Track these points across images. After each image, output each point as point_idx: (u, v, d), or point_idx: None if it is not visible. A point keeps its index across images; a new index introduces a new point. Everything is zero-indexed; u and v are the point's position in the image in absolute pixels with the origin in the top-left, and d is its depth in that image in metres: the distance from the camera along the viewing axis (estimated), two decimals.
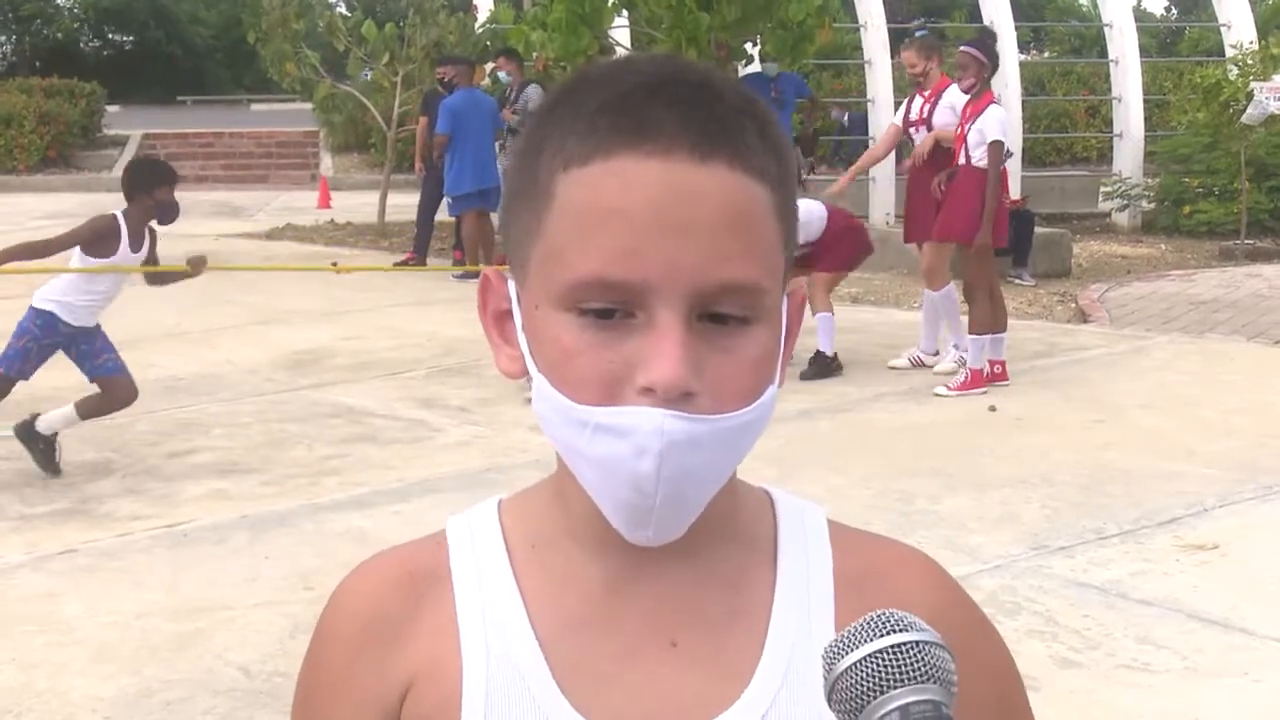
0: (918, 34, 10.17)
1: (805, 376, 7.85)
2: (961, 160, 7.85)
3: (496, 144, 12.27)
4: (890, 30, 15.10)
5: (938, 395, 7.66)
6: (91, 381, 6.27)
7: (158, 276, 6.43)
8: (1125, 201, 15.07)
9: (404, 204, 14.86)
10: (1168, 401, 7.53)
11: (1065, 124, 20.36)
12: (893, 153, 14.01)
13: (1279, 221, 14.25)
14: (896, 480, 6.05)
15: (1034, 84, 19.90)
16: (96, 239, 6.08)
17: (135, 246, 6.15)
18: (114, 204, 6.32)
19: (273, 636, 4.42)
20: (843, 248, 8.00)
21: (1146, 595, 4.75)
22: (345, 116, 21.37)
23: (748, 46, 11.75)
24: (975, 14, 15.98)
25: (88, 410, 6.19)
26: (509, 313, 0.97)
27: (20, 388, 6.28)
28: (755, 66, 12.21)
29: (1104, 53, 16.69)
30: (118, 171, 17.20)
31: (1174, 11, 48.83)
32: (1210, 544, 5.23)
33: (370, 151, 22.18)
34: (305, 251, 14.50)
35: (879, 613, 0.81)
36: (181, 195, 6.59)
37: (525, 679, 0.96)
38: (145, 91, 38.27)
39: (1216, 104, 13.66)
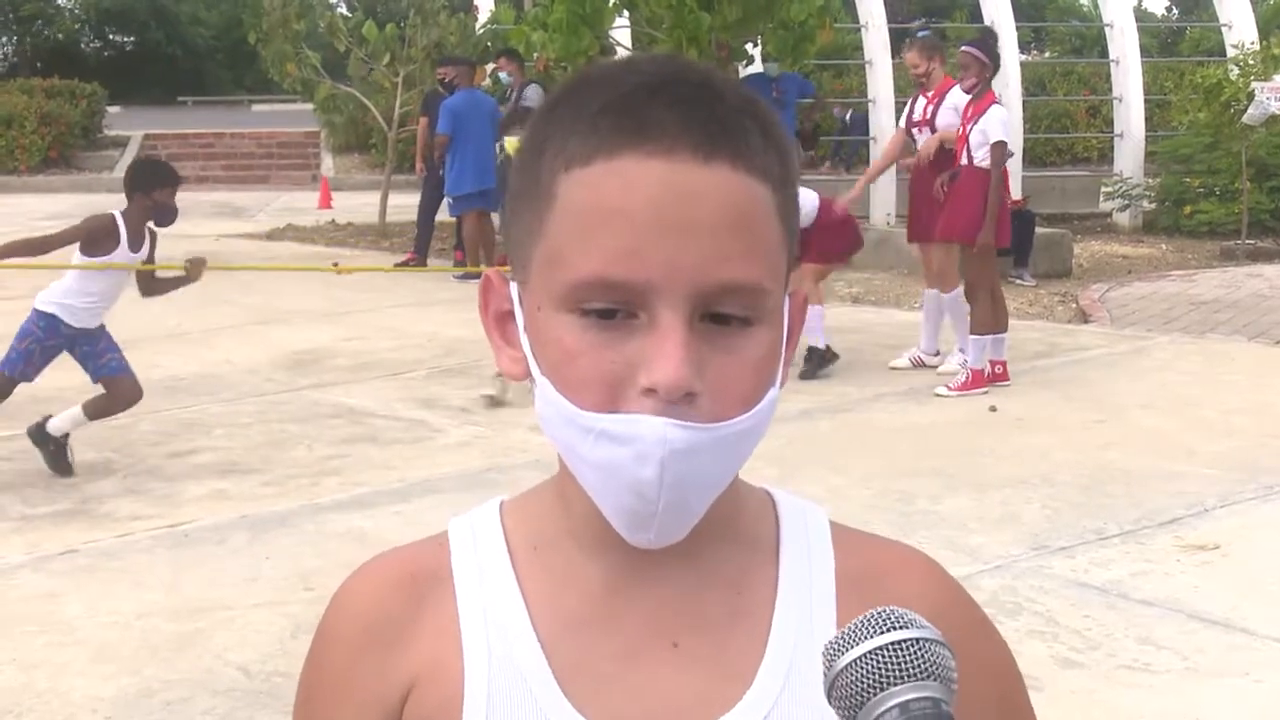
0: (920, 34, 10.16)
1: (805, 375, 7.85)
2: (963, 161, 7.85)
3: (497, 145, 12.27)
4: (891, 30, 15.10)
5: (938, 395, 7.66)
6: (96, 382, 6.27)
7: (150, 287, 6.40)
8: (1126, 202, 15.06)
9: (405, 204, 14.86)
10: (1169, 402, 7.53)
11: (1066, 124, 20.36)
12: None
13: (1279, 222, 14.24)
14: (897, 480, 6.04)
15: (1035, 84, 19.90)
16: (93, 238, 6.08)
17: (135, 247, 6.15)
18: (115, 205, 6.32)
19: (273, 637, 4.42)
20: (833, 239, 7.93)
21: (1147, 595, 4.74)
22: (346, 117, 21.37)
23: (749, 47, 11.75)
24: (976, 14, 15.98)
25: (94, 411, 6.22)
26: (511, 314, 0.97)
27: (22, 388, 6.28)
28: (756, 67, 12.21)
29: (1105, 53, 16.69)
30: (119, 172, 17.24)
31: (1175, 11, 48.82)
32: (1211, 544, 5.23)
33: (371, 152, 22.19)
34: (306, 252, 14.50)
35: (879, 609, 0.81)
36: (182, 196, 6.59)
37: (527, 680, 0.96)
38: (146, 92, 38.28)
39: (1217, 104, 13.65)
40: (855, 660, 0.79)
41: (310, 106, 19.94)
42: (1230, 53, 14.93)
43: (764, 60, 11.89)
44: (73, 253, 6.21)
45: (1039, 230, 12.13)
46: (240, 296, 11.04)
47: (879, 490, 5.92)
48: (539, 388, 0.93)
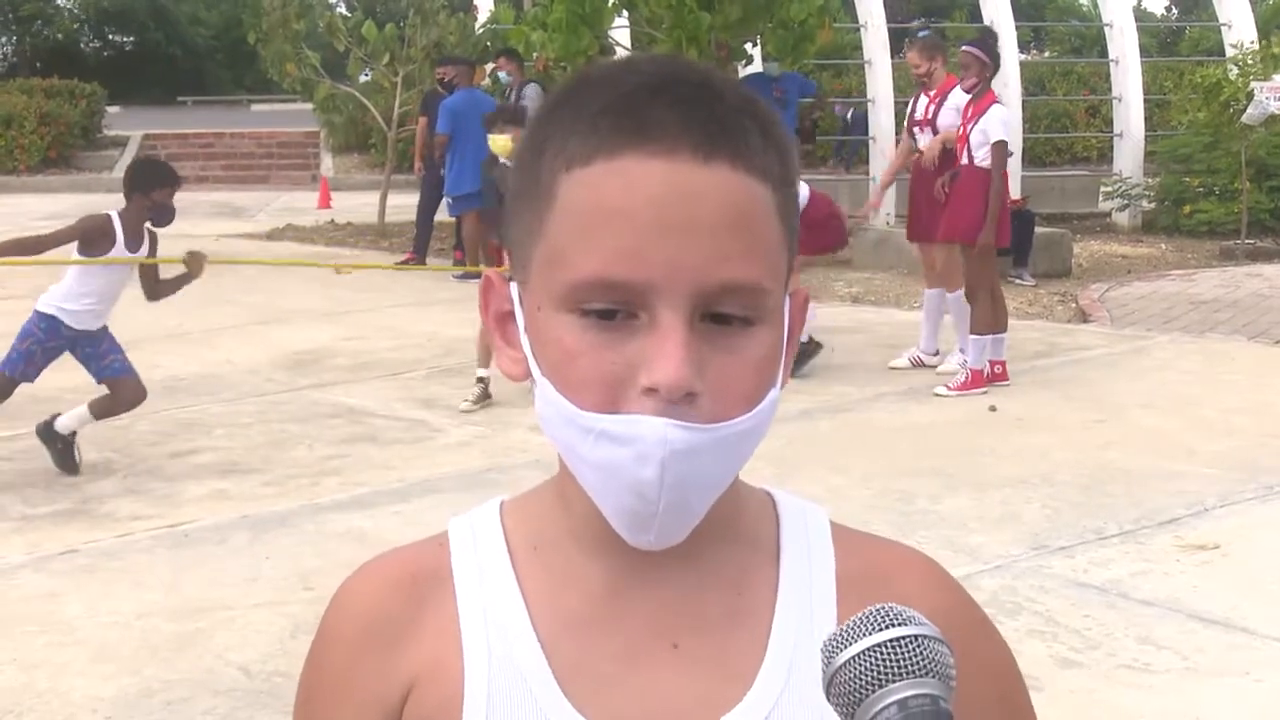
0: (920, 34, 10.15)
1: (794, 374, 7.84)
2: (964, 160, 7.85)
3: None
4: (890, 30, 15.09)
5: (938, 395, 7.66)
6: (99, 383, 6.28)
7: (155, 290, 6.40)
8: (1126, 201, 15.06)
9: (404, 204, 14.87)
10: (1168, 401, 7.53)
11: (1065, 124, 20.36)
12: (893, 151, 14.08)
13: (1279, 221, 14.24)
14: (897, 480, 6.04)
15: (1034, 84, 19.90)
16: (88, 238, 6.08)
17: (132, 247, 6.15)
18: (114, 205, 6.31)
19: (273, 636, 4.42)
20: (818, 234, 7.91)
21: (1147, 595, 4.74)
22: (346, 117, 21.37)
23: (748, 46, 11.75)
24: (976, 14, 15.98)
25: (99, 411, 6.24)
26: (511, 314, 0.97)
27: (22, 388, 6.28)
28: (756, 66, 12.20)
29: (1104, 52, 16.69)
30: (118, 172, 17.23)
31: (1174, 11, 48.82)
32: (1211, 544, 5.23)
33: (371, 152, 22.18)
34: (306, 252, 14.49)
35: (878, 607, 0.81)
36: (182, 196, 6.59)
37: (527, 680, 0.96)
38: (146, 92, 38.27)
39: (1217, 104, 13.65)
40: (854, 657, 0.79)
41: (310, 106, 19.95)
42: (1229, 52, 14.93)
43: (764, 60, 11.89)
44: (70, 252, 6.21)
45: (1038, 230, 12.13)
46: (241, 296, 11.04)
47: (879, 490, 5.92)
48: (539, 388, 0.93)
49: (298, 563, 5.10)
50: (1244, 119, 13.13)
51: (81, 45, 46.76)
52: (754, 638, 0.97)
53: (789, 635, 0.97)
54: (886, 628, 0.80)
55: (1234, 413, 7.21)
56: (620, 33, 11.96)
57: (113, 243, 6.09)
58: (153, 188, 6.14)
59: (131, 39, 47.44)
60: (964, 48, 8.07)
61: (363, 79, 17.13)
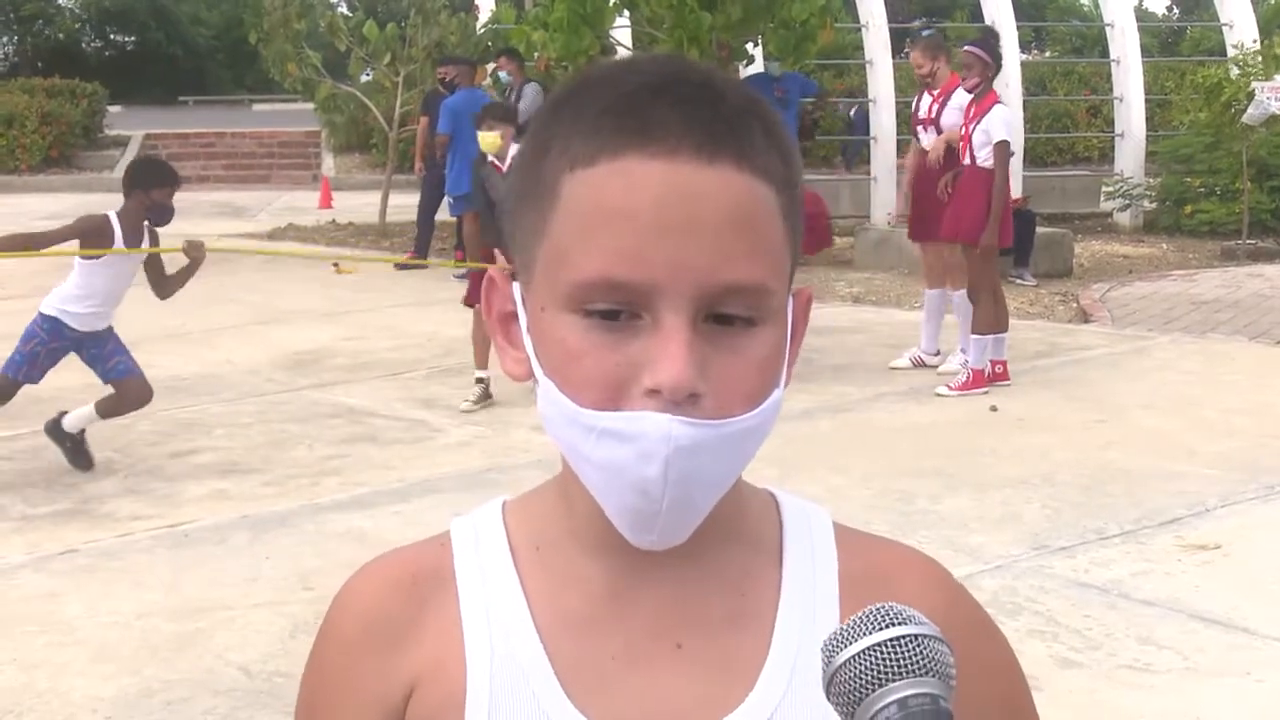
0: (923, 34, 10.14)
1: None
2: (966, 160, 7.85)
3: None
4: (891, 30, 15.09)
5: (939, 395, 7.66)
6: (106, 384, 6.29)
7: (164, 287, 6.40)
8: (1127, 201, 15.06)
9: (405, 204, 14.87)
10: (1169, 401, 7.53)
11: (1067, 124, 20.37)
12: (894, 151, 14.10)
13: None
14: (897, 480, 6.04)
15: (1035, 84, 19.90)
16: (86, 238, 6.08)
17: (132, 246, 6.15)
18: (115, 204, 6.31)
19: (273, 636, 4.42)
20: (805, 234, 7.94)
21: (1148, 595, 4.74)
22: (347, 117, 21.37)
23: (749, 46, 11.74)
24: (977, 14, 15.98)
25: (105, 410, 6.26)
26: (514, 314, 0.97)
27: (24, 389, 6.28)
28: (757, 66, 12.20)
29: (1105, 52, 16.68)
30: (119, 172, 17.23)
31: (1175, 11, 48.81)
32: (1212, 544, 5.22)
33: (372, 152, 22.19)
34: (307, 252, 14.49)
35: (878, 606, 0.81)
36: (183, 195, 6.60)
37: (529, 680, 0.96)
38: (147, 92, 38.28)
39: (1218, 104, 13.65)
40: (854, 656, 0.79)
41: (311, 106, 19.93)
42: (1231, 53, 14.92)
43: (765, 60, 11.88)
44: (74, 256, 6.21)
45: (1040, 230, 12.13)
46: (241, 296, 11.05)
47: (879, 490, 5.92)
48: (542, 388, 0.92)
49: (298, 563, 5.10)
50: (1244, 119, 13.13)
51: (83, 45, 46.78)
52: (756, 639, 0.97)
53: (792, 636, 0.97)
54: (886, 627, 0.80)
55: (1235, 413, 7.20)
56: (621, 33, 11.95)
57: (111, 242, 6.09)
58: (152, 186, 6.14)
59: (133, 39, 47.44)
60: (966, 48, 8.07)
61: (364, 79, 17.14)
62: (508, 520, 1.03)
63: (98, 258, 6.07)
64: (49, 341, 6.13)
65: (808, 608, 0.98)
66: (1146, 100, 15.73)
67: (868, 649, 0.79)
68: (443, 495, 5.88)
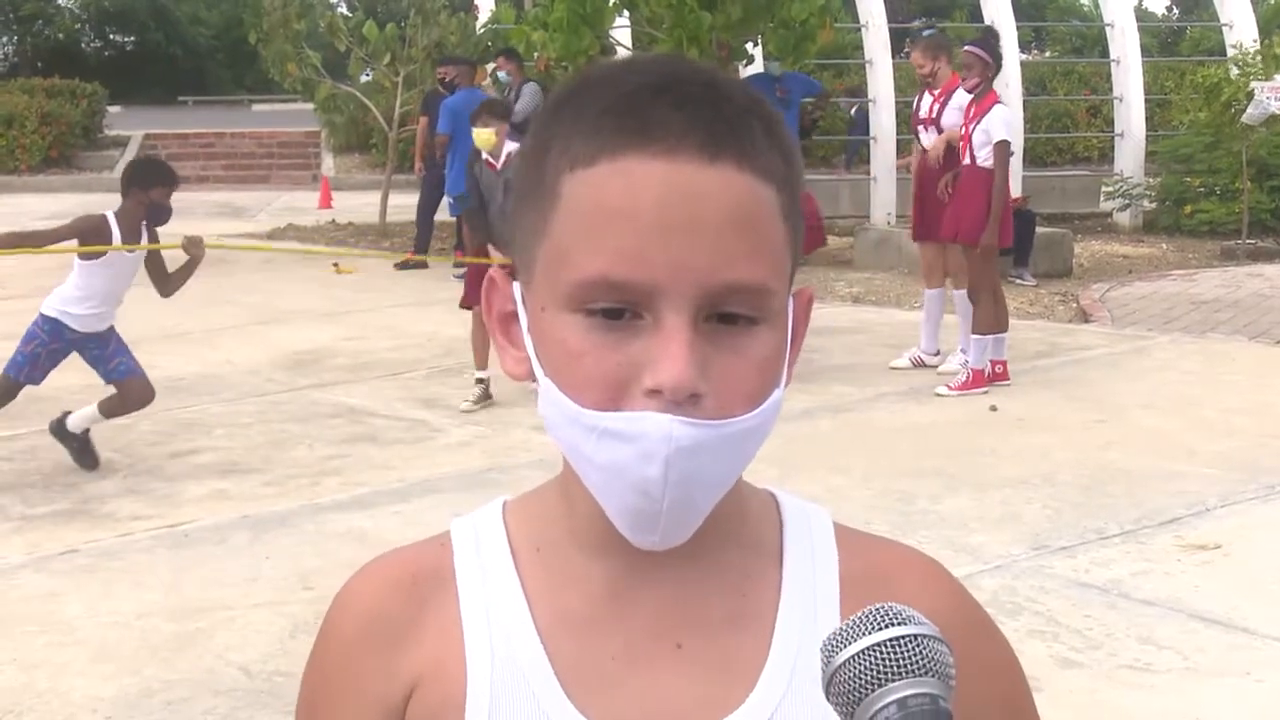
0: (925, 34, 10.14)
1: None
2: (966, 160, 7.85)
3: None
4: (891, 30, 15.09)
5: (939, 395, 7.66)
6: (108, 384, 6.29)
7: (167, 284, 6.40)
8: (1126, 201, 15.06)
9: (405, 204, 14.87)
10: (1169, 401, 7.53)
11: (1066, 124, 20.36)
12: (894, 151, 14.10)
13: None
14: (897, 480, 6.04)
15: (1035, 84, 19.89)
16: (84, 238, 6.07)
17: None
18: (115, 204, 6.31)
19: (273, 636, 4.42)
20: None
21: (1148, 595, 4.74)
22: (346, 117, 21.36)
23: (749, 46, 11.74)
24: (976, 14, 15.97)
25: (108, 410, 6.27)
26: (515, 314, 0.97)
27: (25, 388, 6.29)
28: (757, 66, 12.20)
29: (1105, 52, 16.68)
30: (119, 172, 17.22)
31: (1175, 11, 48.81)
32: (1212, 544, 5.23)
33: (371, 152, 22.18)
34: (305, 249, 14.49)
35: (877, 606, 0.81)
36: (183, 196, 6.60)
37: (529, 681, 0.96)
38: (146, 92, 38.27)
39: (1218, 104, 13.64)
40: (853, 656, 0.79)
41: (310, 106, 19.93)
42: (1230, 53, 14.92)
43: (765, 60, 11.88)
44: (73, 257, 6.20)
45: (1039, 230, 12.13)
46: (241, 296, 11.05)
47: (879, 490, 5.92)
48: (542, 388, 0.92)
49: (298, 563, 5.10)
50: (1244, 119, 13.13)
51: (82, 45, 46.77)
52: (757, 640, 0.97)
53: (792, 637, 0.97)
54: (886, 627, 0.79)
55: (1235, 413, 7.20)
56: (621, 33, 11.95)
57: (109, 242, 6.09)
58: (151, 186, 6.14)
59: (132, 39, 47.43)
60: (966, 47, 8.07)
61: (364, 79, 17.13)
62: (508, 520, 1.03)
63: (96, 258, 6.07)
64: (50, 343, 6.13)
65: (808, 608, 0.98)
66: (1146, 100, 15.73)
67: (867, 649, 0.79)
68: (443, 495, 5.88)
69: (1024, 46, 26.51)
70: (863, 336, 9.31)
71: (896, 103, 14.43)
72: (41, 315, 6.15)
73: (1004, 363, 7.91)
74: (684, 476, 0.88)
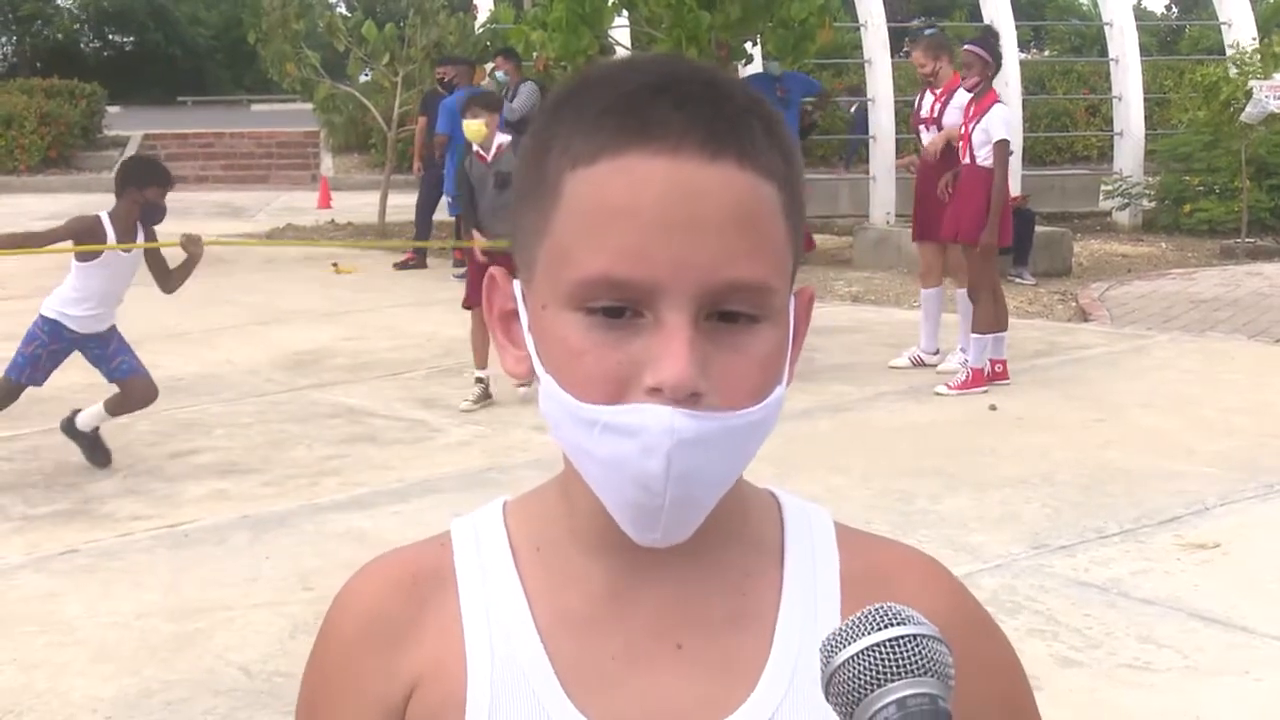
0: (926, 33, 10.13)
1: None
2: (966, 159, 7.85)
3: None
4: (890, 29, 15.09)
5: (938, 394, 7.66)
6: (111, 383, 6.30)
7: (168, 281, 6.40)
8: (1126, 200, 15.06)
9: (404, 204, 14.87)
10: (1168, 400, 7.53)
11: (1066, 123, 20.36)
12: (893, 150, 14.10)
13: (1279, 220, 14.24)
14: (897, 480, 6.04)
15: (1034, 83, 19.89)
16: (79, 240, 6.07)
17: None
18: (110, 205, 6.30)
19: (273, 636, 4.42)
20: None
21: (1147, 594, 4.74)
22: (345, 117, 21.36)
23: (748, 46, 11.74)
24: (976, 13, 15.97)
25: (114, 409, 6.29)
26: (515, 313, 0.97)
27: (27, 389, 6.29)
28: (756, 66, 12.20)
29: (1104, 51, 16.68)
30: None
31: (1174, 10, 48.82)
32: (1211, 543, 5.23)
33: (371, 152, 22.18)
34: (306, 252, 14.50)
35: (876, 606, 0.81)
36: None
37: (529, 680, 0.96)
38: (145, 92, 38.27)
39: (1217, 102, 13.64)
40: (852, 656, 0.79)
41: (310, 106, 19.92)
42: (1229, 52, 14.92)
43: (764, 59, 11.88)
44: (70, 259, 6.20)
45: (1039, 229, 12.13)
46: (240, 296, 11.04)
47: (879, 490, 5.92)
48: (543, 385, 0.92)
49: (297, 563, 5.10)
50: (1243, 117, 13.13)
51: (81, 45, 46.76)
52: (758, 639, 0.97)
53: (793, 637, 0.97)
54: (885, 627, 0.80)
55: (1234, 412, 7.20)
56: (620, 32, 11.95)
57: (104, 243, 6.08)
58: (145, 185, 6.13)
59: (131, 39, 47.42)
60: (966, 46, 8.07)
61: (363, 79, 17.12)
62: (508, 520, 1.03)
63: (92, 260, 6.06)
64: (50, 344, 6.13)
65: (809, 608, 0.98)
66: (1145, 99, 15.73)
67: (866, 649, 0.79)
68: (442, 495, 5.88)
69: (1023, 45, 26.52)
70: (862, 336, 9.31)
71: (896, 102, 14.43)
72: (41, 316, 6.15)
73: (1003, 362, 7.91)
74: (686, 471, 0.88)
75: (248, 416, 7.38)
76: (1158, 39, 34.15)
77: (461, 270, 11.98)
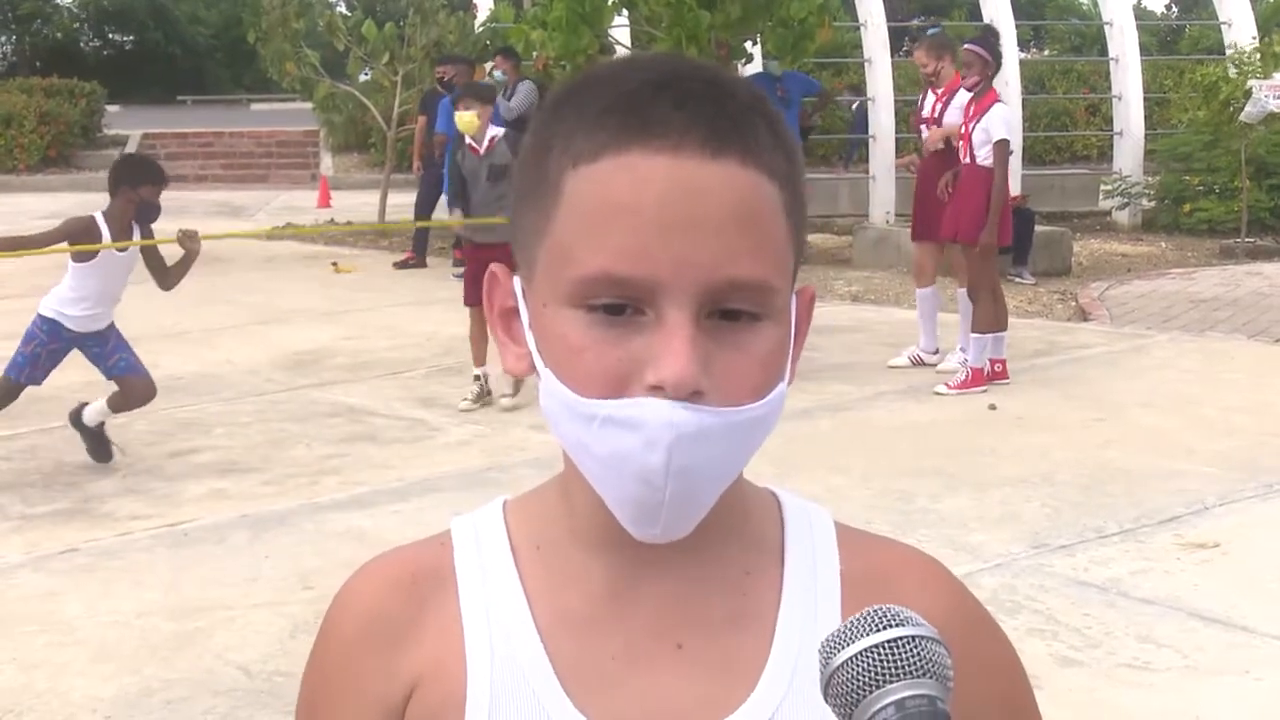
0: (929, 32, 10.13)
1: None
2: (966, 159, 7.85)
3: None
4: (890, 29, 15.09)
5: (938, 394, 7.66)
6: (109, 381, 6.30)
7: (166, 278, 6.40)
8: (1125, 200, 15.06)
9: (404, 204, 14.87)
10: (1168, 400, 7.53)
11: (1065, 122, 20.35)
12: (893, 150, 14.10)
13: (1279, 219, 14.24)
14: (897, 479, 6.04)
15: (1034, 82, 19.89)
16: (74, 240, 6.07)
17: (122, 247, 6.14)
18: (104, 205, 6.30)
19: (273, 636, 4.42)
20: None
21: (1147, 594, 4.74)
22: (345, 116, 21.35)
23: (748, 45, 11.74)
24: (975, 13, 15.97)
25: (115, 406, 6.31)
26: (516, 310, 0.97)
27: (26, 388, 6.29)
28: (756, 65, 12.20)
29: (1104, 51, 16.68)
30: None
31: (1174, 10, 48.82)
32: (1211, 542, 5.23)
33: (370, 151, 22.17)
34: (306, 251, 14.50)
35: (875, 608, 0.81)
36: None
37: (529, 680, 0.96)
38: (145, 91, 38.25)
39: (1216, 102, 13.64)
40: (851, 658, 0.79)
41: (309, 105, 19.92)
42: (1229, 51, 14.92)
43: (764, 58, 11.88)
44: (66, 259, 6.20)
45: (1038, 228, 12.13)
46: (240, 296, 11.04)
47: (879, 489, 5.92)
48: (543, 382, 0.92)
49: (297, 562, 5.10)
50: (1242, 117, 13.12)
51: (81, 44, 46.74)
52: (758, 639, 0.97)
53: (793, 637, 0.97)
54: (884, 628, 0.80)
55: (1234, 411, 7.21)
56: (620, 31, 11.96)
57: (100, 243, 6.08)
58: (140, 184, 6.11)
59: (131, 38, 47.41)
60: (966, 46, 8.07)
61: (362, 78, 17.12)
62: (508, 519, 1.03)
63: (88, 260, 6.06)
64: (48, 343, 6.13)
65: (809, 608, 0.98)
66: (1145, 99, 15.73)
67: (865, 650, 0.79)
68: (442, 494, 5.88)
69: (1023, 45, 26.52)
70: (862, 335, 9.31)
71: (895, 101, 14.43)
72: (39, 315, 6.15)
73: (1003, 361, 7.91)
74: (686, 466, 0.87)
75: (247, 416, 7.38)
76: (1158, 39, 34.16)
77: (461, 270, 11.99)
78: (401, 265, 13.08)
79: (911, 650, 0.79)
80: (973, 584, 4.50)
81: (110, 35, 48.42)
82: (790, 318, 0.94)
